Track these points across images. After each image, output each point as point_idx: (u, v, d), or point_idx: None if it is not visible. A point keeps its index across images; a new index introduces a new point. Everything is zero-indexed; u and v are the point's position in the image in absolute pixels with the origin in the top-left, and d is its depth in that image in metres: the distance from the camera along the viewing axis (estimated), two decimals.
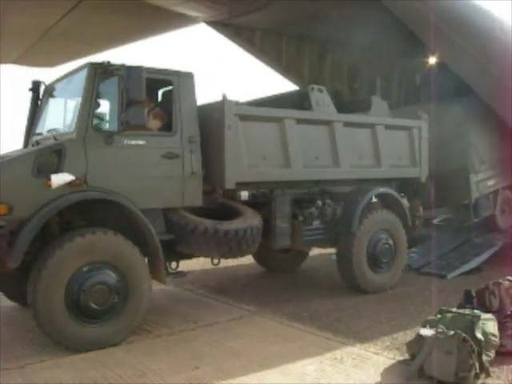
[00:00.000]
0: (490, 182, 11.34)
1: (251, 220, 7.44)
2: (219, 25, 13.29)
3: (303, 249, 9.85)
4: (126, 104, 6.44)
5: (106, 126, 6.80)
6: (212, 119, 7.45)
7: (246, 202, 7.90)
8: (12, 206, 5.92)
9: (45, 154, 6.23)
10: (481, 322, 5.52)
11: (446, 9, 9.46)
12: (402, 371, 5.48)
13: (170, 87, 7.39)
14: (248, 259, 10.59)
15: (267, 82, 16.98)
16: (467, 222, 11.29)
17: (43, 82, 7.94)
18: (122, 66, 6.50)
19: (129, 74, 6.40)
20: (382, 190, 9.20)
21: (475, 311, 5.78)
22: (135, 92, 6.38)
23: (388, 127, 9.39)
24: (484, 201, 11.34)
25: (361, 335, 6.72)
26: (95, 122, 6.65)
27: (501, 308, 6.21)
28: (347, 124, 8.80)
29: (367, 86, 14.61)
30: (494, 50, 9.70)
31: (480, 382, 5.16)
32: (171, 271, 7.35)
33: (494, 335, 5.52)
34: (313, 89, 8.75)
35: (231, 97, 7.55)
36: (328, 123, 8.60)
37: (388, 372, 5.52)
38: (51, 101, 7.81)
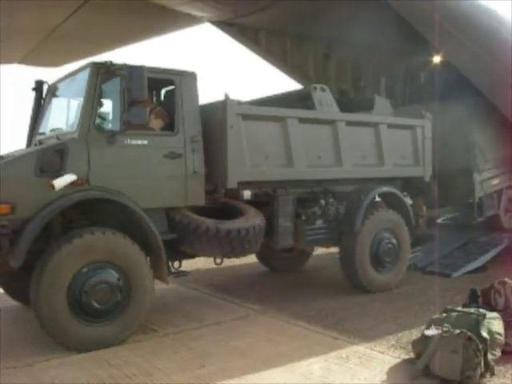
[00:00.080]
0: (494, 181, 11.32)
1: (253, 219, 7.43)
2: (224, 24, 13.31)
3: (306, 248, 9.86)
4: (127, 104, 6.42)
5: (109, 126, 6.80)
6: (214, 119, 7.45)
7: (248, 202, 7.89)
8: (14, 205, 5.94)
9: (47, 154, 6.25)
10: (486, 320, 5.53)
11: (451, 8, 9.45)
12: (408, 370, 5.49)
13: (172, 87, 7.39)
14: (253, 258, 10.63)
15: (272, 81, 17.00)
16: (471, 222, 11.26)
17: (46, 82, 7.96)
18: (124, 66, 6.49)
19: (131, 73, 6.39)
20: (385, 189, 9.17)
21: (480, 310, 5.78)
22: (137, 92, 6.37)
23: (391, 126, 9.37)
24: (488, 200, 11.31)
25: (366, 334, 6.71)
26: (97, 121, 6.65)
27: (506, 307, 6.21)
28: (350, 123, 8.79)
29: (372, 85, 14.59)
30: (499, 49, 9.68)
31: (485, 380, 5.15)
32: (173, 270, 7.35)
33: (499, 334, 5.52)
34: (315, 88, 8.74)
35: (234, 96, 7.57)
36: (331, 122, 8.59)
37: (393, 371, 5.53)
38: (54, 100, 7.82)
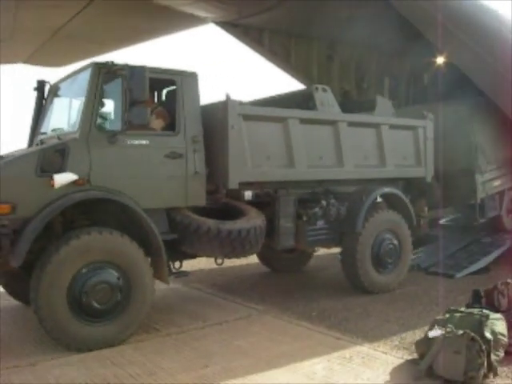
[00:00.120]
0: (496, 183, 11.31)
1: (254, 220, 7.43)
2: (228, 25, 13.31)
3: (307, 249, 9.83)
4: (129, 104, 6.43)
5: (110, 126, 6.79)
6: (215, 119, 7.45)
7: (249, 202, 7.89)
8: (15, 205, 5.95)
9: (48, 154, 6.25)
10: (489, 321, 5.55)
11: (453, 8, 9.45)
12: (411, 371, 5.50)
13: (173, 87, 7.40)
14: (255, 259, 10.66)
15: (275, 82, 17.02)
16: (473, 223, 11.25)
17: (48, 82, 7.98)
18: (126, 66, 6.50)
19: (132, 73, 6.40)
20: (386, 189, 9.17)
21: (484, 311, 5.80)
22: (138, 92, 6.38)
23: (393, 127, 9.36)
24: (490, 201, 11.30)
25: (369, 334, 6.73)
26: (99, 121, 6.66)
27: (509, 308, 6.25)
28: (352, 124, 8.78)
29: (375, 85, 14.57)
30: (500, 49, 9.67)
31: (489, 381, 5.16)
32: (174, 271, 7.36)
33: (502, 335, 5.54)
34: (317, 89, 8.74)
35: (236, 97, 7.58)
36: (332, 123, 8.58)
37: (397, 371, 5.54)
38: (56, 100, 7.83)
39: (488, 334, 5.36)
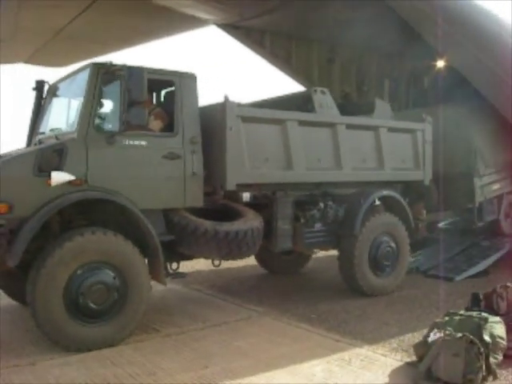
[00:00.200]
0: (495, 187, 11.32)
1: (252, 222, 7.43)
2: (230, 27, 13.35)
3: (305, 251, 9.82)
4: (127, 104, 6.45)
5: (108, 126, 6.77)
6: (214, 120, 7.45)
7: (247, 204, 7.90)
8: (12, 204, 5.96)
9: (46, 153, 6.25)
10: (488, 324, 5.57)
11: (451, 10, 9.45)
12: (410, 373, 5.51)
13: (171, 88, 7.40)
14: (254, 261, 10.66)
15: (276, 84, 17.03)
16: (471, 226, 11.25)
17: (47, 82, 7.99)
18: (124, 67, 6.52)
19: (130, 74, 6.42)
20: (384, 192, 9.17)
21: (483, 314, 5.81)
22: (136, 92, 6.40)
23: (391, 130, 9.36)
24: (488, 205, 11.31)
25: (368, 337, 6.75)
26: (97, 121, 6.65)
27: (508, 311, 6.26)
28: (350, 126, 8.78)
29: (376, 88, 14.60)
30: (499, 52, 9.68)
31: None
32: (171, 272, 7.36)
33: (501, 338, 5.56)
34: (316, 91, 8.75)
35: (236, 98, 7.59)
36: (331, 125, 8.58)
37: (395, 374, 5.56)
38: (54, 100, 7.84)
39: (487, 337, 5.37)
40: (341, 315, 7.77)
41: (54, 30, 13.00)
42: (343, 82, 14.52)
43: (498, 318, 5.80)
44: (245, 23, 13.04)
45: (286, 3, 11.60)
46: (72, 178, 6.26)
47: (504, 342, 5.55)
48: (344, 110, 9.09)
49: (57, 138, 6.78)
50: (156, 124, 7.29)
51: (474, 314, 5.85)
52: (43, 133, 7.63)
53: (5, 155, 6.64)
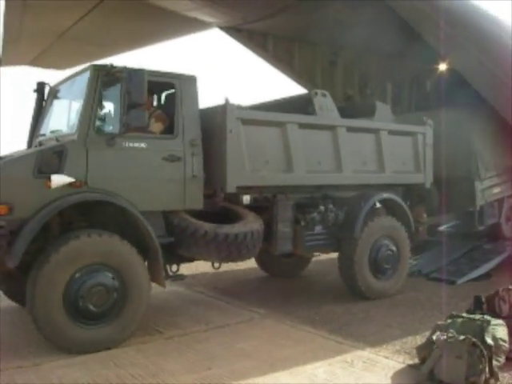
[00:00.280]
0: (496, 190, 11.30)
1: (252, 224, 7.42)
2: (232, 30, 13.39)
3: (305, 254, 9.80)
4: (127, 106, 6.45)
5: (108, 128, 6.79)
6: (214, 123, 7.45)
7: (247, 206, 7.88)
8: (12, 206, 5.97)
9: (46, 155, 6.26)
10: (491, 327, 5.58)
11: (451, 12, 9.45)
12: (412, 375, 5.53)
13: (172, 90, 7.42)
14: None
15: (279, 87, 17.06)
16: (472, 230, 11.23)
17: (48, 84, 8.02)
18: (124, 69, 6.53)
19: (131, 76, 6.42)
20: (385, 195, 9.16)
21: (485, 317, 5.82)
22: (137, 94, 6.39)
23: (392, 132, 9.35)
24: (489, 208, 11.30)
25: (371, 339, 6.75)
26: (97, 123, 6.66)
27: (511, 314, 6.26)
28: (350, 129, 8.77)
29: (378, 91, 14.59)
30: (499, 54, 9.68)
31: None
32: (171, 274, 7.36)
33: (503, 340, 5.56)
34: (316, 93, 8.74)
35: (238, 101, 7.63)
36: (331, 128, 8.57)
37: (398, 376, 5.56)
38: (55, 102, 7.86)
39: (489, 340, 5.38)
40: (343, 317, 7.78)
41: (58, 32, 13.09)
42: (346, 85, 14.55)
43: (500, 321, 5.81)
44: (248, 26, 13.08)
45: (288, 8, 11.61)
46: (72, 180, 6.27)
47: (506, 345, 5.55)
48: (344, 112, 9.08)
49: (57, 139, 6.78)
50: (156, 126, 7.31)
51: (477, 316, 5.86)
52: (44, 134, 7.65)
53: (5, 157, 6.66)
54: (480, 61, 9.74)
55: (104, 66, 6.72)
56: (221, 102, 7.49)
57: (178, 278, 7.46)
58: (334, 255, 9.15)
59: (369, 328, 7.25)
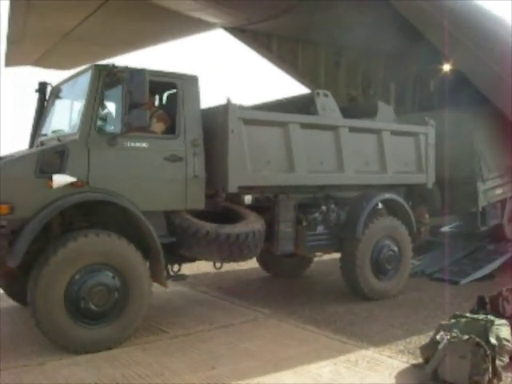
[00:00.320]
0: (498, 191, 11.27)
1: (253, 224, 7.42)
2: (236, 30, 13.37)
3: (307, 254, 9.77)
4: (129, 106, 6.45)
5: (110, 128, 6.81)
6: (216, 122, 7.46)
7: (249, 206, 7.88)
8: (14, 205, 5.98)
9: (47, 155, 6.27)
10: (494, 327, 5.60)
11: (454, 11, 9.43)
12: (416, 375, 5.54)
13: (174, 90, 7.43)
14: None
15: (283, 87, 17.05)
16: (474, 231, 11.21)
17: (50, 84, 8.04)
18: (126, 69, 6.53)
19: (132, 76, 6.42)
20: (387, 195, 9.14)
21: (489, 317, 5.83)
22: (138, 94, 6.39)
23: (394, 133, 9.33)
24: (491, 209, 11.26)
25: (375, 339, 6.77)
26: (99, 123, 6.68)
27: None
28: (353, 129, 8.75)
29: (382, 92, 14.56)
30: (501, 53, 9.67)
31: None
32: (172, 274, 7.38)
33: (507, 340, 5.57)
34: (318, 94, 8.72)
35: (240, 101, 7.67)
36: (333, 128, 8.56)
37: (402, 375, 5.58)
38: (57, 102, 7.88)
39: (493, 340, 5.39)
40: (347, 317, 7.80)
41: (62, 32, 13.08)
42: (349, 86, 14.50)
43: (504, 321, 5.83)
44: (252, 27, 13.06)
45: (293, 8, 11.60)
46: (73, 179, 6.28)
47: (510, 345, 5.56)
48: (347, 113, 9.06)
49: (59, 139, 6.79)
50: (158, 126, 7.31)
51: (480, 316, 5.87)
52: (45, 134, 7.66)
53: (7, 156, 6.68)
54: (483, 61, 9.71)
55: (106, 66, 6.73)
56: (223, 101, 7.49)
57: (180, 277, 7.48)
58: (336, 255, 9.15)
59: (373, 328, 7.27)
